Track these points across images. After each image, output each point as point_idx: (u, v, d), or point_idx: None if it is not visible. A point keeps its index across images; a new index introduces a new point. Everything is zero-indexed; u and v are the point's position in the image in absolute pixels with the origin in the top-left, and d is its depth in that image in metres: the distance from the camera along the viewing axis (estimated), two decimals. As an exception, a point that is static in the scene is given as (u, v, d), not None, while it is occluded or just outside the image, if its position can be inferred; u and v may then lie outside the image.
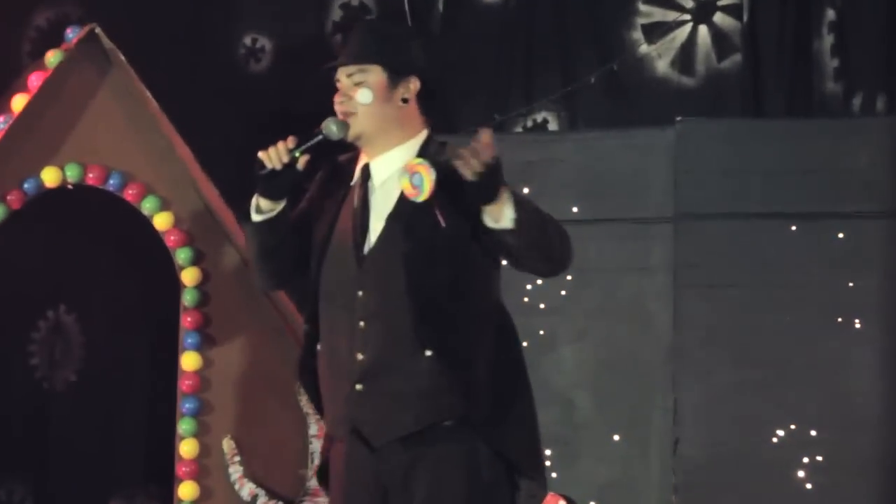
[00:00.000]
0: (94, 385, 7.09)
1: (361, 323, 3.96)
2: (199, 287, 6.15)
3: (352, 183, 4.09)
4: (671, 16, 7.08)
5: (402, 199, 3.97)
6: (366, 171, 4.07)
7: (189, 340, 6.14)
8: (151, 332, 6.97)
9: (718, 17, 7.05)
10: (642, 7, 7.13)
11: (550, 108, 7.24)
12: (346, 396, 3.98)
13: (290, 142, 3.96)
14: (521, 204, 3.83)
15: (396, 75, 4.04)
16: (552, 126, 7.24)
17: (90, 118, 6.15)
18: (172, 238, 6.16)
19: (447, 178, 3.87)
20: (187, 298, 6.15)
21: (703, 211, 6.55)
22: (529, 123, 7.26)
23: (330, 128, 4.00)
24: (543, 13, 7.24)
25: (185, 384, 6.13)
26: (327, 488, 4.16)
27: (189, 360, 6.13)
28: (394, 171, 4.03)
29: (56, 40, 6.33)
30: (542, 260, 3.96)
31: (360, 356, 3.96)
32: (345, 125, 4.01)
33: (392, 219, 3.99)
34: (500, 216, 3.83)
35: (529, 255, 3.92)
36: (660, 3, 7.11)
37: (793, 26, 6.93)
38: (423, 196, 3.90)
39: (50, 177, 6.10)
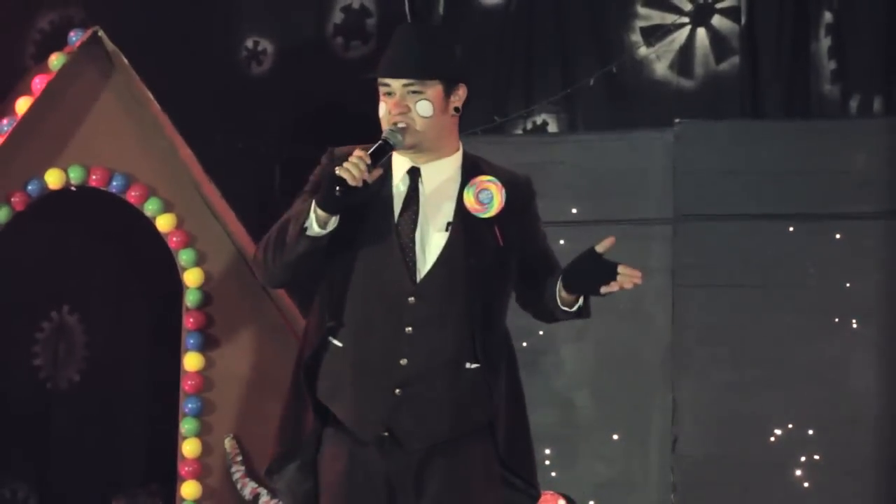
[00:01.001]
0: (97, 385, 7.11)
1: (409, 329, 3.95)
2: (202, 288, 6.19)
3: (390, 183, 4.04)
4: (670, 18, 7.10)
5: (461, 211, 3.99)
6: (414, 175, 4.04)
7: (191, 341, 6.18)
8: (154, 333, 7.00)
9: (717, 20, 7.07)
10: (641, 10, 7.14)
11: (550, 110, 7.26)
12: (382, 400, 3.96)
13: (366, 157, 3.86)
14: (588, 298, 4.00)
15: (451, 85, 4.03)
16: (552, 128, 7.26)
17: (93, 120, 6.19)
18: (175, 239, 6.20)
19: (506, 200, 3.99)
20: (189, 299, 6.19)
21: (702, 212, 6.56)
22: (529, 125, 7.28)
23: (397, 138, 3.95)
24: (543, 16, 7.26)
25: (187, 384, 6.17)
26: (272, 478, 4.13)
27: (191, 361, 6.17)
28: (444, 180, 4.03)
29: (59, 43, 6.37)
30: (556, 319, 4.13)
31: (403, 361, 3.95)
32: (404, 133, 3.97)
33: (455, 229, 3.99)
34: (573, 304, 3.99)
35: (557, 321, 4.12)
36: (658, 6, 7.12)
37: (790, 28, 6.94)
38: (489, 213, 3.97)
39: (53, 178, 6.13)
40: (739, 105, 7.00)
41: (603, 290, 3.91)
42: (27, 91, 6.14)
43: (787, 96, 6.94)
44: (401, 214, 4.02)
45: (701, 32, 7.09)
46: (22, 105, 6.10)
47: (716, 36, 7.07)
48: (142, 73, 6.18)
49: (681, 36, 7.12)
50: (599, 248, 3.92)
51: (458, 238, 3.99)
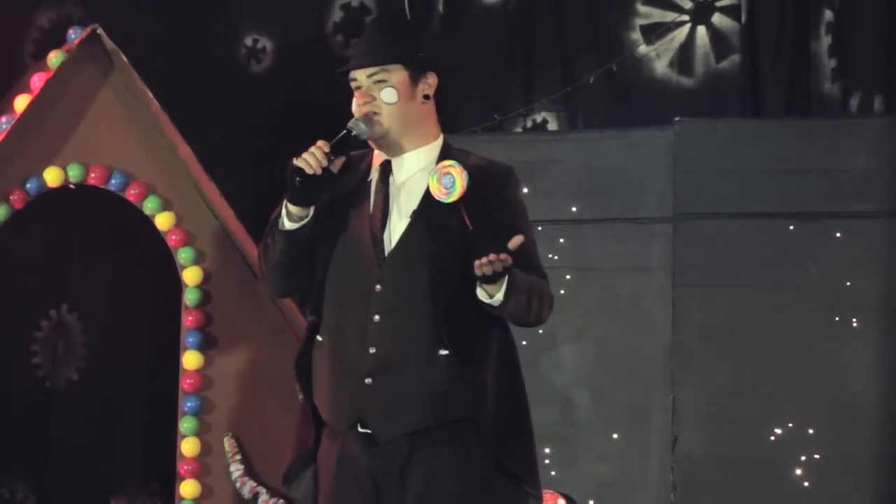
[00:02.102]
0: (96, 384, 7.11)
1: (377, 317, 3.98)
2: (201, 286, 6.19)
3: (369, 178, 4.09)
4: (670, 16, 7.10)
5: (428, 199, 3.99)
6: (385, 168, 4.09)
7: (190, 339, 6.18)
8: (153, 331, 7.00)
9: (717, 18, 7.07)
10: (641, 8, 7.14)
11: (550, 109, 7.26)
12: (353, 390, 3.98)
13: (325, 145, 3.93)
14: (512, 290, 3.91)
15: (416, 72, 4.06)
16: (552, 126, 7.26)
17: (92, 118, 6.19)
18: (174, 238, 6.20)
19: (474, 184, 3.94)
20: (189, 297, 6.18)
21: (702, 210, 6.56)
22: (529, 123, 7.28)
23: (360, 126, 4.00)
24: (543, 14, 7.26)
25: (186, 383, 6.16)
26: (290, 486, 4.17)
27: (190, 359, 6.16)
28: (416, 171, 4.06)
29: (58, 41, 6.36)
30: (513, 322, 4.09)
31: (372, 350, 3.97)
32: (371, 123, 4.02)
33: (417, 217, 4.01)
34: (492, 295, 3.91)
35: (520, 324, 4.08)
36: (658, 4, 7.12)
37: (791, 27, 6.94)
38: (452, 198, 3.95)
39: (52, 176, 6.13)
40: (740, 103, 7.00)
41: (476, 270, 3.85)
42: (26, 89, 6.14)
43: (787, 95, 6.95)
44: (374, 207, 4.06)
45: (701, 30, 7.09)
46: (21, 103, 6.09)
47: (716, 34, 7.06)
48: (141, 70, 6.18)
49: (681, 34, 7.11)
50: (510, 245, 3.88)
51: (420, 224, 4.01)
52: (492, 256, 3.81)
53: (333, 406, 4.04)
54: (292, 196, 3.96)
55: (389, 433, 3.98)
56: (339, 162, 3.97)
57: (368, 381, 3.98)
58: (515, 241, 3.87)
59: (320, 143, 3.93)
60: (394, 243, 4.02)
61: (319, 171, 3.91)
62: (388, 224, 4.04)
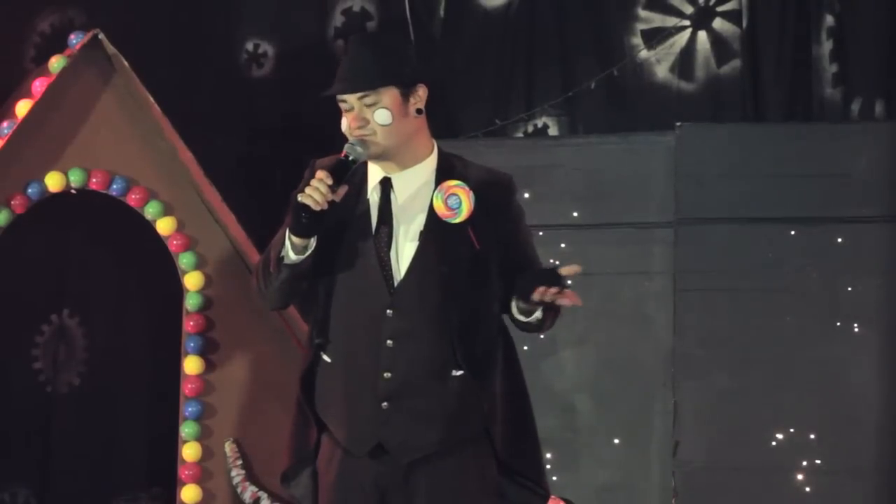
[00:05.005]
0: (97, 388, 7.11)
1: (389, 342, 3.96)
2: (202, 291, 6.19)
3: (366, 194, 4.04)
4: (671, 21, 7.11)
5: (433, 217, 3.98)
6: (386, 185, 4.04)
7: (191, 344, 6.18)
8: (154, 336, 7.00)
9: (718, 23, 7.07)
10: (642, 13, 7.14)
11: (551, 113, 7.26)
12: (369, 414, 3.98)
13: (327, 177, 3.87)
14: (550, 308, 3.94)
15: (407, 88, 4.01)
16: (552, 131, 7.26)
17: (93, 123, 6.19)
18: (175, 243, 6.20)
19: (479, 199, 3.96)
20: (190, 302, 6.19)
21: (703, 215, 6.56)
22: (530, 128, 7.28)
23: (357, 151, 3.95)
24: (544, 18, 7.26)
25: (187, 388, 6.16)
26: (288, 485, 4.16)
27: (191, 364, 6.17)
28: (417, 187, 4.03)
29: (60, 46, 6.37)
30: (528, 332, 4.10)
31: (387, 375, 3.96)
32: (367, 145, 3.97)
33: (426, 238, 3.98)
34: (530, 314, 3.95)
35: (528, 331, 4.08)
36: (659, 9, 7.12)
37: (792, 32, 6.94)
38: (459, 218, 3.96)
39: (53, 181, 6.14)
40: (741, 108, 7.00)
41: (535, 295, 3.85)
42: (27, 94, 6.14)
43: (788, 100, 6.95)
44: (377, 227, 4.02)
45: (702, 35, 7.09)
46: (22, 108, 6.10)
47: (717, 39, 7.07)
48: (142, 75, 6.18)
49: (682, 39, 7.12)
50: (563, 271, 3.87)
51: (429, 247, 3.98)
52: (554, 290, 3.81)
53: (350, 431, 4.02)
54: (297, 230, 3.91)
55: (409, 456, 3.98)
56: (342, 191, 3.91)
57: (385, 405, 3.97)
58: (570, 269, 3.85)
59: (321, 174, 3.88)
60: (403, 267, 3.99)
61: (325, 206, 3.86)
62: (393, 245, 4.01)
